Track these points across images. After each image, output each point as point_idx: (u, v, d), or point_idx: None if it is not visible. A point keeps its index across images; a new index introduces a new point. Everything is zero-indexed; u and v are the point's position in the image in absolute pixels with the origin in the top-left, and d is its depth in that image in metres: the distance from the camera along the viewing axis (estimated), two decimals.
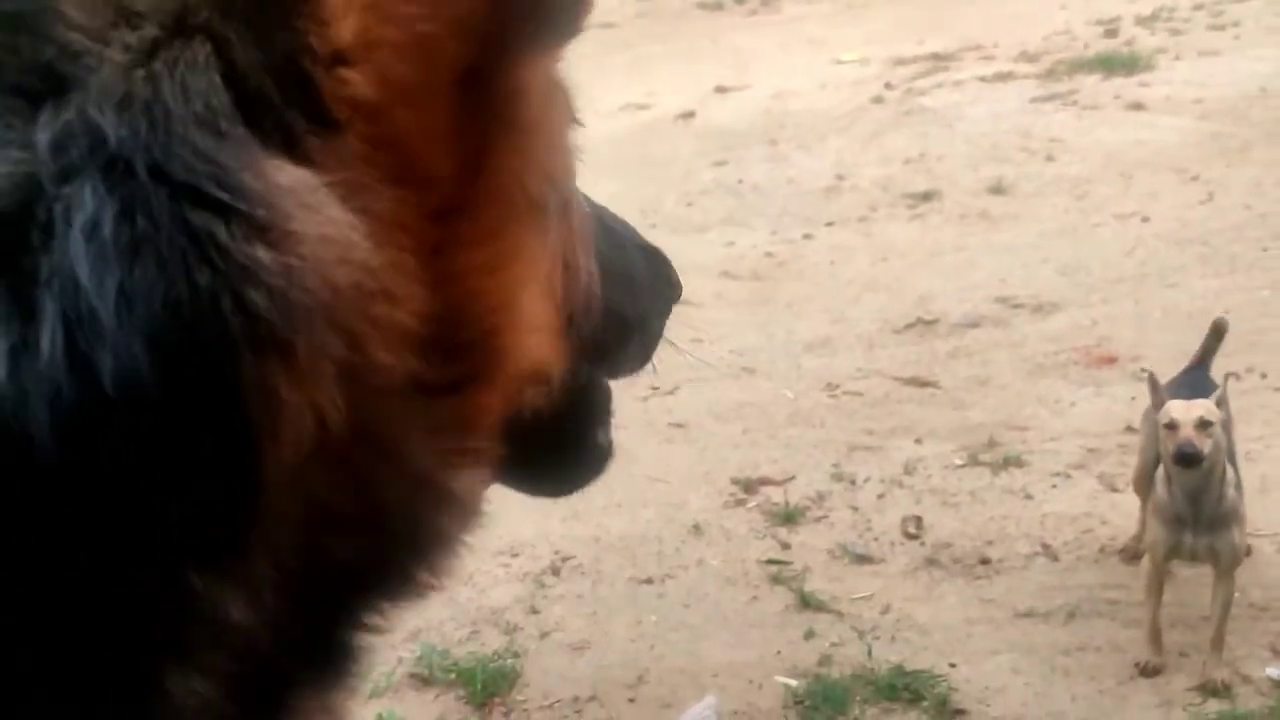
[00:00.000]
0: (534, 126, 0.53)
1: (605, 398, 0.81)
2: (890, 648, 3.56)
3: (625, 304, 0.79)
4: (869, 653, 3.50)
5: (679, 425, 5.08)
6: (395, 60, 0.43)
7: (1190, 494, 3.16)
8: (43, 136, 0.37)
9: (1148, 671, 3.34)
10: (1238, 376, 4.89)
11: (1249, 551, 3.53)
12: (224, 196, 0.39)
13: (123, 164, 0.37)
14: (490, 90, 0.49)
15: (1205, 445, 3.05)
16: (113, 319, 0.35)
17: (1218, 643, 3.26)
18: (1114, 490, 4.26)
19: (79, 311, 0.35)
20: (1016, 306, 5.89)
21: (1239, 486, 3.26)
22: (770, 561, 4.04)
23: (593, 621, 3.83)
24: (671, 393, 5.40)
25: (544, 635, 3.77)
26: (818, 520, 4.28)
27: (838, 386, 5.29)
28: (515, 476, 0.66)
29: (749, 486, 4.54)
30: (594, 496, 4.56)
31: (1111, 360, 5.26)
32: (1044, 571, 3.87)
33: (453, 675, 3.56)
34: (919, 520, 4.18)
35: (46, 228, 0.36)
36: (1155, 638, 3.35)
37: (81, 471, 0.35)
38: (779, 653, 3.59)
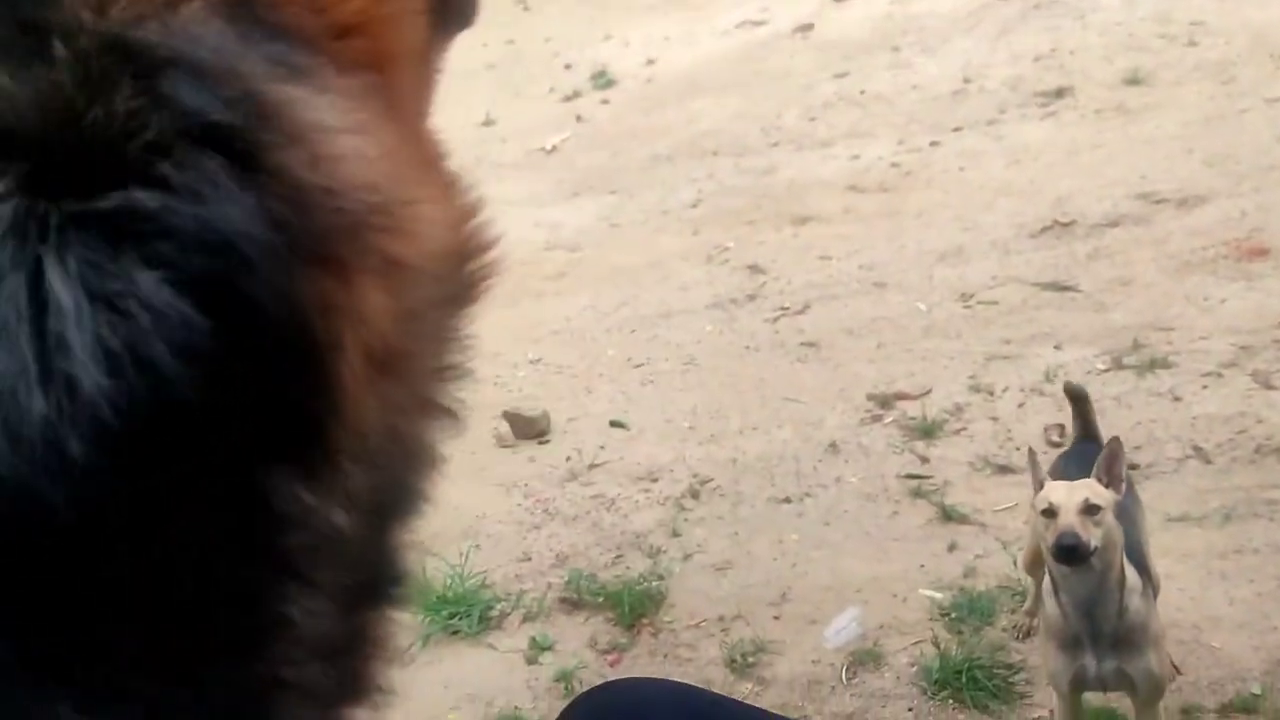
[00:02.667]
0: (424, 73, 0.59)
1: None
2: None
3: None
4: (1014, 563, 3.46)
5: (811, 344, 5.06)
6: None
7: (1082, 606, 2.47)
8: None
9: None
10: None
11: (1176, 672, 2.90)
12: (275, 124, 0.42)
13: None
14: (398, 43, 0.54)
15: (1094, 536, 2.39)
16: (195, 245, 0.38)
17: None
18: (1269, 388, 4.11)
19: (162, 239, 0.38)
20: (1159, 202, 5.67)
21: (1148, 591, 2.59)
22: (910, 476, 4.02)
23: (734, 542, 3.87)
24: (802, 312, 5.37)
25: (687, 557, 3.83)
26: (956, 433, 4.23)
27: (972, 296, 5.19)
28: None
29: (885, 402, 4.51)
30: (729, 419, 4.61)
31: (1263, 252, 5.03)
32: (1196, 475, 3.77)
33: (601, 599, 3.65)
34: (1061, 428, 4.09)
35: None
36: None
37: (195, 393, 0.38)
38: (922, 566, 3.58)
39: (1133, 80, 7.18)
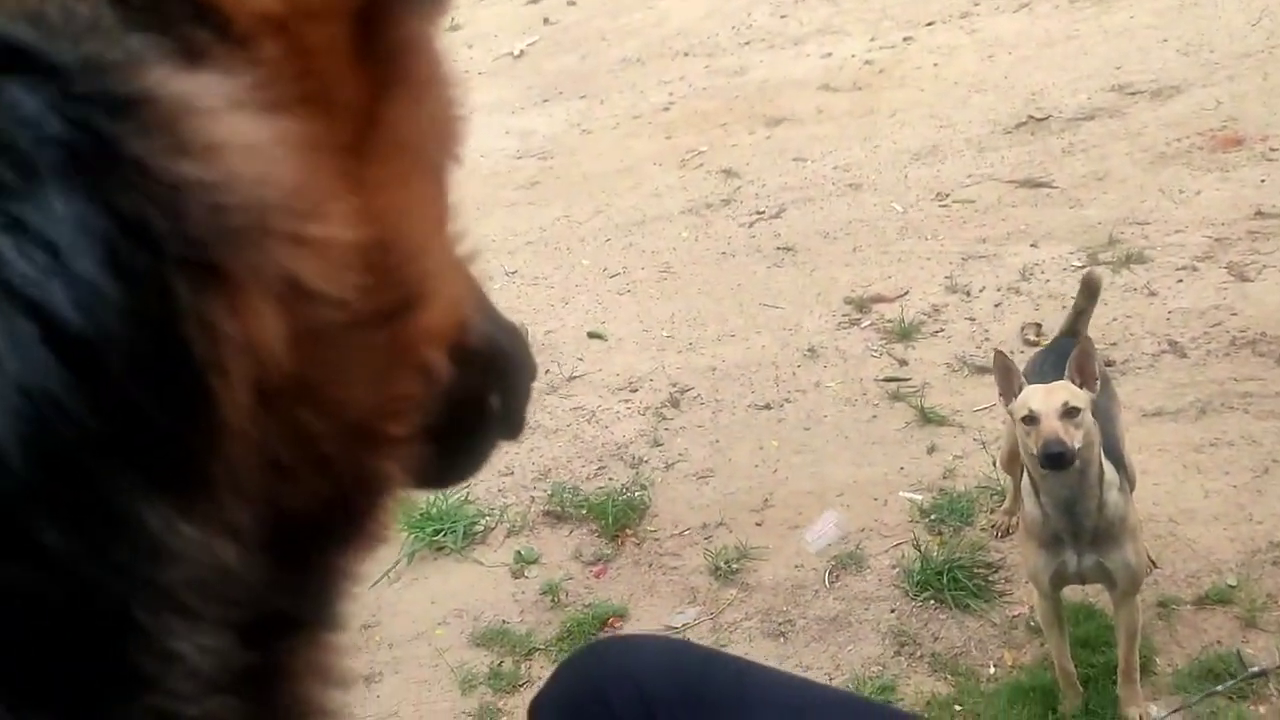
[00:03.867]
0: (425, 84, 0.53)
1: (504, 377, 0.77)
2: None
3: (503, 337, 0.77)
4: (993, 464, 3.49)
5: (787, 249, 5.03)
6: None
7: (1062, 505, 2.48)
8: None
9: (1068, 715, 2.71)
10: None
11: (1152, 566, 2.93)
12: (132, 105, 0.37)
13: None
14: (384, 33, 0.48)
15: (1075, 439, 2.37)
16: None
17: (1129, 675, 2.65)
18: (1244, 280, 4.12)
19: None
20: (1134, 94, 5.62)
21: (1125, 486, 2.58)
22: (888, 379, 4.03)
23: (715, 450, 3.89)
24: (777, 215, 5.33)
25: (669, 466, 3.85)
26: (934, 334, 4.24)
27: (948, 195, 5.15)
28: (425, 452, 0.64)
29: (862, 305, 4.50)
30: (707, 326, 4.59)
31: (1238, 142, 5.00)
32: (1172, 369, 3.79)
33: (584, 511, 3.67)
34: (1038, 327, 4.11)
35: None
36: (1069, 680, 2.70)
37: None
38: (902, 469, 3.61)
39: None
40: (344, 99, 0.46)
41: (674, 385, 4.28)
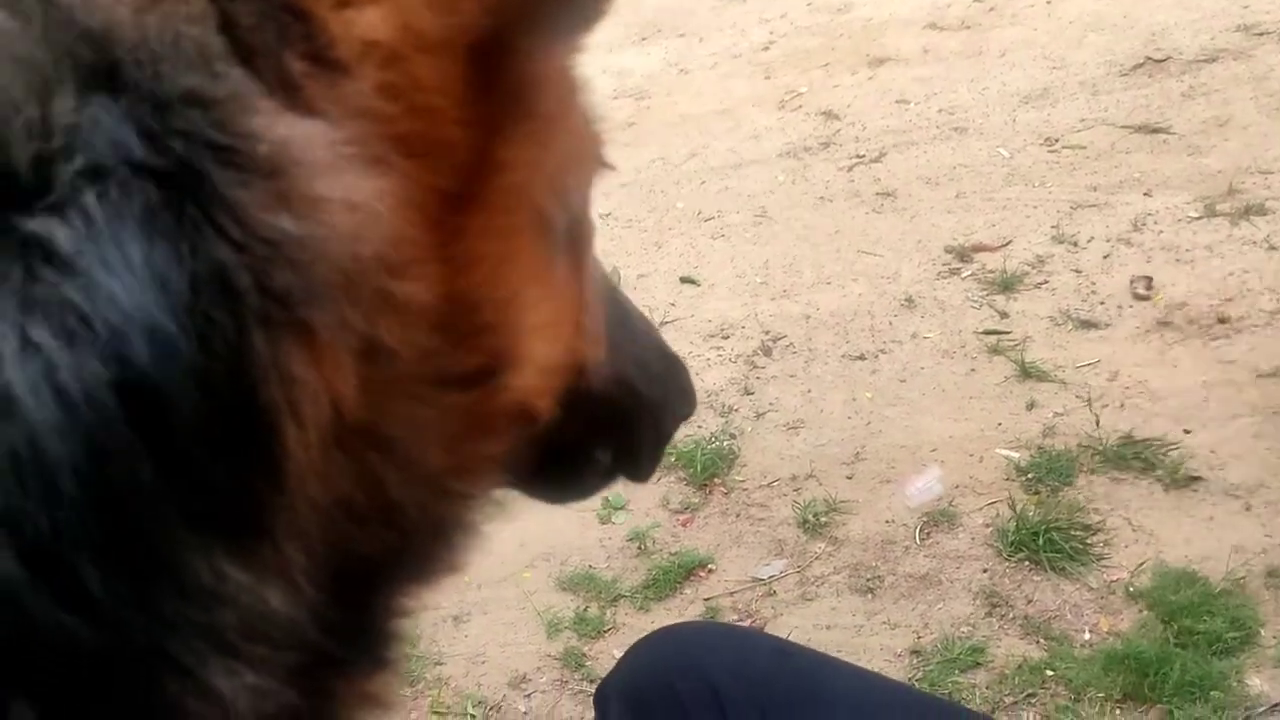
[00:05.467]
0: (548, 123, 0.48)
1: (614, 417, 0.74)
2: (1119, 416, 3.43)
3: (638, 380, 0.72)
4: (1096, 422, 3.38)
5: (887, 194, 4.90)
6: (415, 5, 0.38)
7: None
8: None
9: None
10: None
11: None
12: (235, 151, 0.34)
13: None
14: (506, 67, 0.43)
15: None
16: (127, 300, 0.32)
17: None
18: None
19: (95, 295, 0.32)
20: (1262, 34, 5.33)
21: None
22: (988, 332, 3.92)
23: (807, 400, 3.83)
24: (878, 159, 5.19)
25: (759, 416, 3.80)
26: (1038, 286, 4.10)
27: (1057, 140, 4.96)
28: (520, 484, 0.62)
29: (963, 254, 4.37)
30: (803, 272, 4.51)
31: None
32: None
33: (673, 458, 3.65)
34: (1149, 280, 3.95)
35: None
36: None
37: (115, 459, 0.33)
38: (1000, 425, 3.52)
39: None
40: (454, 140, 0.43)
41: (766, 333, 4.22)
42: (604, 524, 3.49)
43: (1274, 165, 4.41)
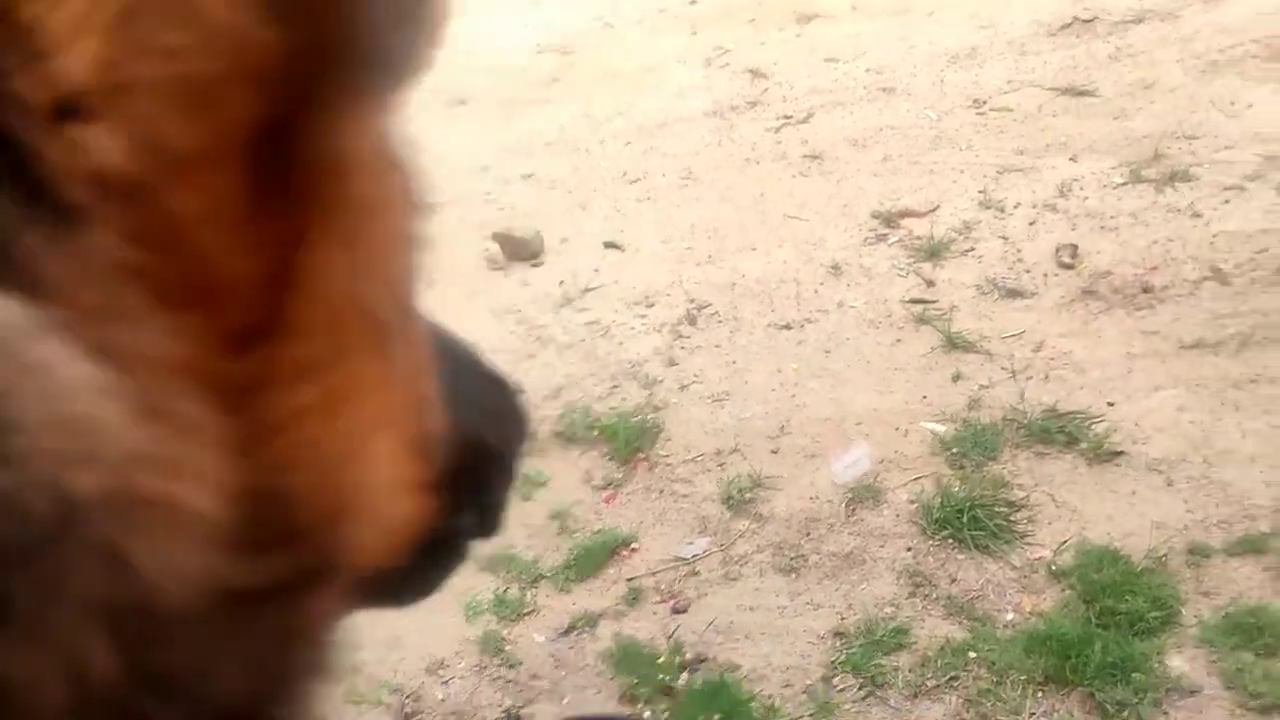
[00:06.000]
0: (363, 210, 0.37)
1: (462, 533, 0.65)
2: (1043, 388, 3.41)
3: (483, 428, 0.63)
4: (1021, 395, 3.35)
5: (814, 156, 4.82)
6: (159, 111, 0.28)
7: None
8: None
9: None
10: None
11: None
12: None
13: None
14: (300, 157, 0.33)
15: None
16: None
17: None
18: None
19: None
20: None
21: None
22: (914, 301, 3.88)
23: (732, 371, 3.76)
24: (805, 120, 5.11)
25: (684, 387, 3.73)
26: (964, 254, 4.06)
27: (985, 102, 4.91)
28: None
29: (890, 220, 4.32)
30: (728, 238, 4.43)
31: None
32: (1213, 298, 3.61)
33: (596, 433, 3.57)
34: (1074, 248, 3.92)
35: None
36: None
37: None
38: (925, 397, 3.48)
39: None
40: (232, 277, 0.32)
41: (692, 301, 4.14)
42: (525, 501, 3.40)
43: (1198, 130, 4.40)
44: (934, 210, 4.32)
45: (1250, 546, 2.77)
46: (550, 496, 3.39)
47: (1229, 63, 4.76)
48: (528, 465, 3.51)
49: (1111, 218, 4.05)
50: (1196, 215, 3.97)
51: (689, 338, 3.96)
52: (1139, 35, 5.11)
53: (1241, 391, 3.26)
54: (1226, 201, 3.99)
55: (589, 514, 3.32)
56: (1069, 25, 5.32)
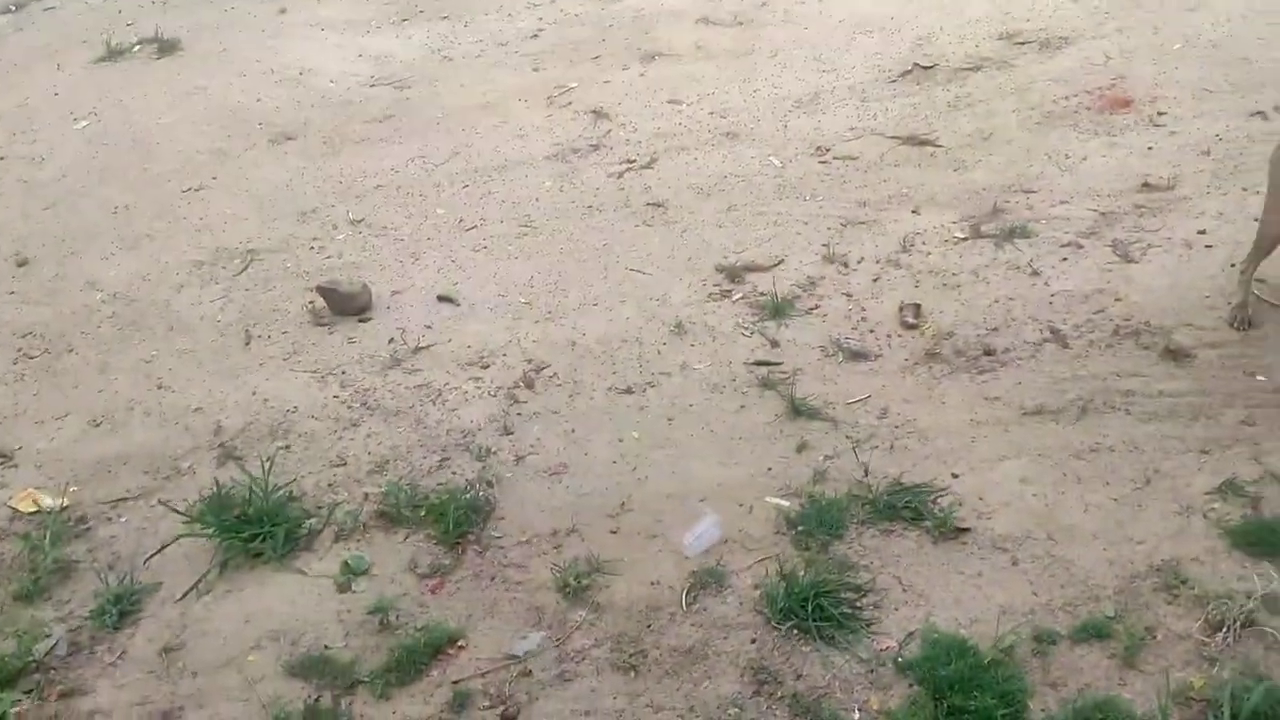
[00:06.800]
0: None
1: None
2: (889, 458, 3.32)
3: None
4: (865, 469, 3.25)
5: (658, 204, 4.68)
6: None
7: None
8: None
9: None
10: (1264, 116, 4.48)
11: None
12: None
13: None
14: None
15: None
16: None
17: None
18: (1129, 260, 3.92)
19: None
20: (1022, 43, 5.37)
21: None
22: (759, 363, 3.75)
23: (571, 441, 3.57)
24: (649, 165, 4.97)
25: (519, 459, 3.52)
26: (809, 311, 3.96)
27: (828, 150, 4.85)
28: None
29: (734, 274, 4.19)
30: (569, 293, 4.24)
31: (1126, 103, 4.80)
32: (1053, 360, 3.58)
33: (423, 512, 3.33)
34: (917, 308, 3.86)
35: None
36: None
37: None
38: (770, 469, 3.35)
39: None
40: None
41: (529, 362, 3.94)
42: (343, 592, 3.14)
43: (1035, 184, 4.41)
44: (778, 264, 4.22)
45: (1095, 631, 2.70)
46: (371, 586, 3.14)
47: (1063, 114, 4.81)
48: (346, 551, 3.25)
49: (954, 274, 4.01)
50: (1035, 273, 3.95)
51: (526, 403, 3.76)
52: (977, 84, 5.14)
53: (1082, 461, 3.22)
54: (1064, 259, 3.99)
55: (413, 606, 3.08)
56: (909, 72, 5.31)
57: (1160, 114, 4.66)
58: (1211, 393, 3.36)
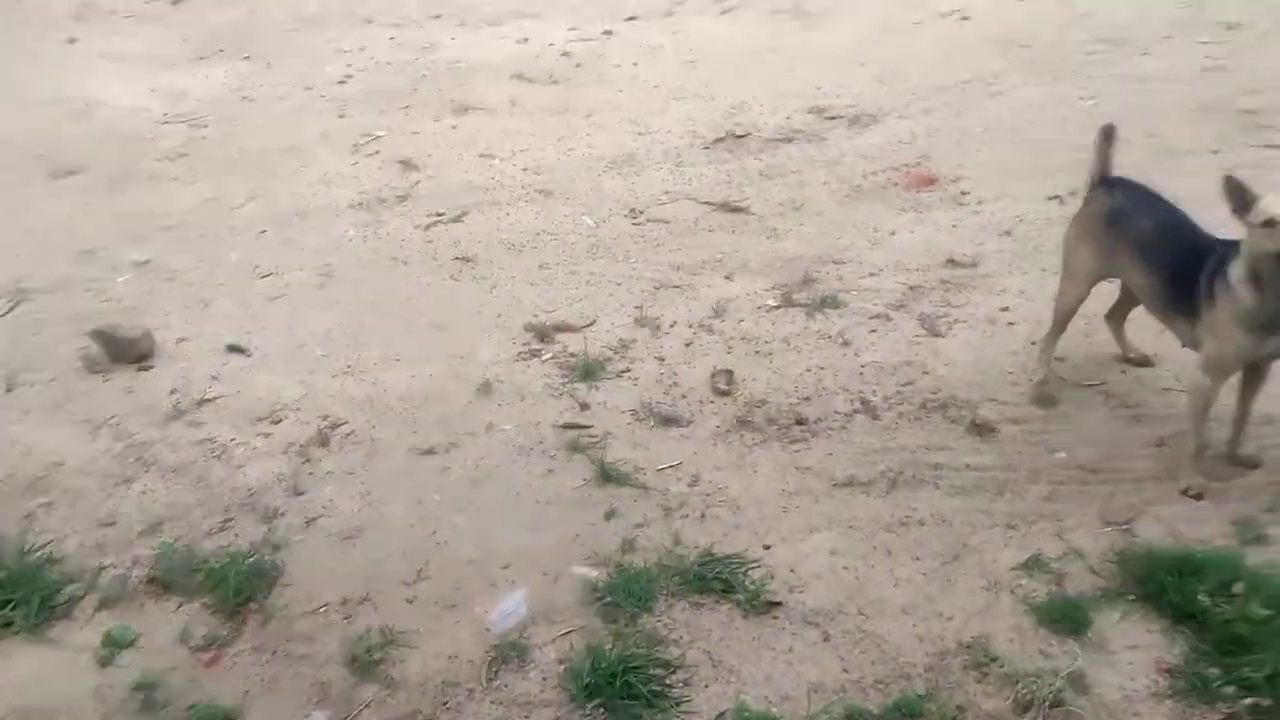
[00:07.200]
0: None
1: None
2: (700, 527, 3.22)
3: None
4: (676, 538, 3.15)
5: (467, 259, 4.52)
6: None
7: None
8: None
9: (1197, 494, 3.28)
10: (1061, 200, 4.66)
11: None
12: None
13: None
14: None
15: None
16: None
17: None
18: (936, 335, 3.97)
19: None
20: (833, 118, 5.48)
21: None
22: (568, 426, 3.62)
23: (366, 503, 3.35)
24: (459, 219, 4.81)
25: (310, 522, 3.28)
26: (620, 374, 3.86)
27: (642, 212, 4.80)
28: None
29: (545, 334, 4.07)
30: (370, 347, 4.02)
31: (931, 181, 4.93)
32: (864, 431, 3.58)
33: (200, 577, 3.04)
34: (730, 374, 3.81)
35: None
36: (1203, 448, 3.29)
37: None
38: (577, 537, 3.21)
39: None
40: None
41: (325, 418, 3.70)
42: (104, 667, 2.82)
43: (845, 255, 4.45)
44: (590, 325, 4.12)
45: (907, 710, 2.64)
46: (137, 660, 2.83)
47: (872, 189, 4.90)
48: (110, 621, 2.94)
49: (766, 342, 3.99)
50: (846, 343, 3.97)
51: (319, 461, 3.51)
52: (789, 155, 5.20)
53: (893, 534, 3.20)
54: (874, 330, 4.03)
55: (184, 682, 2.78)
56: (723, 139, 5.34)
57: (964, 193, 4.80)
58: (1016, 468, 3.40)
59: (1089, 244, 3.50)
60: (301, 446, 3.58)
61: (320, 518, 3.30)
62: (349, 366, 3.95)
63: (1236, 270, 3.08)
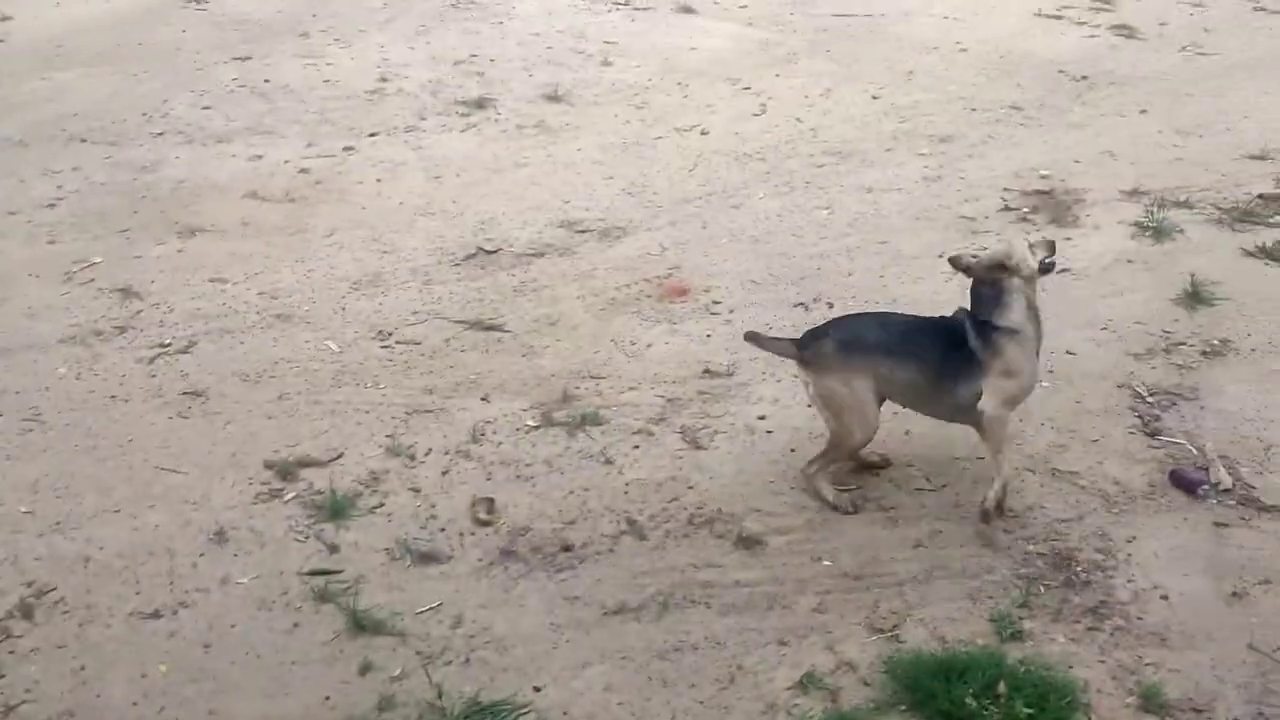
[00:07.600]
0: None
1: None
2: (464, 673, 2.98)
3: None
4: (439, 691, 2.88)
5: (196, 394, 4.15)
6: None
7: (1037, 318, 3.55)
8: None
9: None
10: (806, 307, 4.72)
11: None
12: None
13: None
14: None
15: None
16: None
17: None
18: (698, 447, 3.89)
19: None
20: (582, 231, 5.41)
21: None
22: (315, 572, 3.31)
23: (79, 681, 2.94)
24: (186, 350, 4.44)
25: (9, 710, 2.84)
26: (372, 510, 3.58)
27: (391, 334, 4.56)
28: None
29: (287, 471, 3.75)
30: (83, 499, 3.62)
31: (683, 292, 4.91)
32: (632, 553, 3.42)
33: None
34: (490, 502, 3.60)
35: None
36: None
37: None
38: (328, 699, 2.90)
39: (553, 96, 6.97)
40: None
41: (29, 585, 3.26)
42: None
43: (603, 370, 4.34)
44: (338, 458, 3.83)
45: None
46: None
47: (625, 301, 4.83)
48: None
49: (527, 465, 3.80)
50: (609, 462, 3.82)
51: (21, 637, 3.08)
52: (541, 269, 5.08)
53: (667, 662, 3.04)
54: (636, 446, 3.90)
55: None
56: (473, 255, 5.18)
57: (715, 303, 4.79)
58: (784, 580, 3.32)
59: (855, 380, 3.49)
60: (1, 621, 3.13)
61: (22, 704, 2.87)
62: (58, 524, 3.51)
63: (1009, 313, 3.41)
